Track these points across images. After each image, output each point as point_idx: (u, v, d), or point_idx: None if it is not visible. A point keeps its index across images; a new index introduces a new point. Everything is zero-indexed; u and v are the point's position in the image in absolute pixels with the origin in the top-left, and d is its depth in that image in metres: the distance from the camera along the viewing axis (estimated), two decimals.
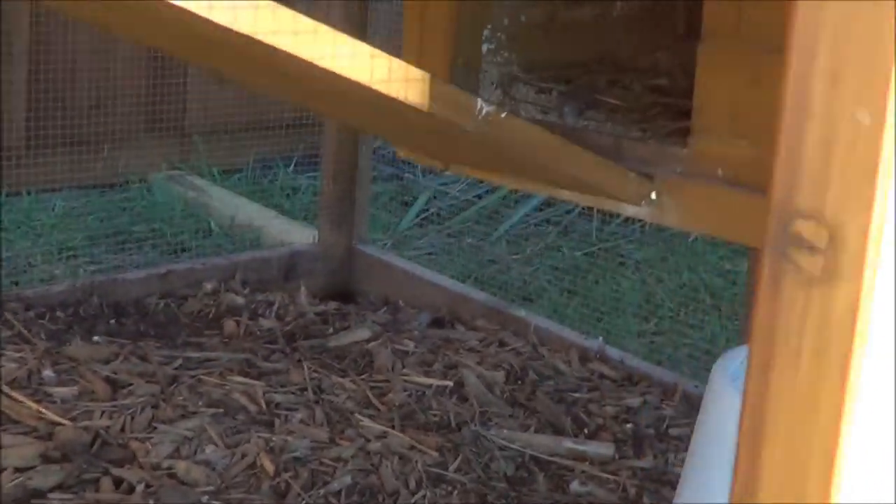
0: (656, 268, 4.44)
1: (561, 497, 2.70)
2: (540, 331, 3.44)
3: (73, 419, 2.76)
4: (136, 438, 2.72)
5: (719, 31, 1.78)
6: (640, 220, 4.72)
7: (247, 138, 5.06)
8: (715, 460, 1.68)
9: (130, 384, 2.95)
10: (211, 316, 3.45)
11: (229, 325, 3.38)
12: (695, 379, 3.31)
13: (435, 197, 4.97)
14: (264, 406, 2.91)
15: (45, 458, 2.61)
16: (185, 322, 3.41)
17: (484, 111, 1.57)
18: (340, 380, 3.08)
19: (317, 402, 2.96)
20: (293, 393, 3.00)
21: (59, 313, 3.31)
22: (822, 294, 0.56)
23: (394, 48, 1.67)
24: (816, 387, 0.57)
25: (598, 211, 4.73)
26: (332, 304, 3.63)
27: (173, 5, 1.20)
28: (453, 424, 2.92)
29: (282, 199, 4.88)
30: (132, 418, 2.79)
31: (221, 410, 2.86)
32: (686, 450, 2.97)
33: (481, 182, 4.92)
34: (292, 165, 5.16)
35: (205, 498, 2.53)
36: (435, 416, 2.96)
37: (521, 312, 3.55)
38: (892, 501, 0.59)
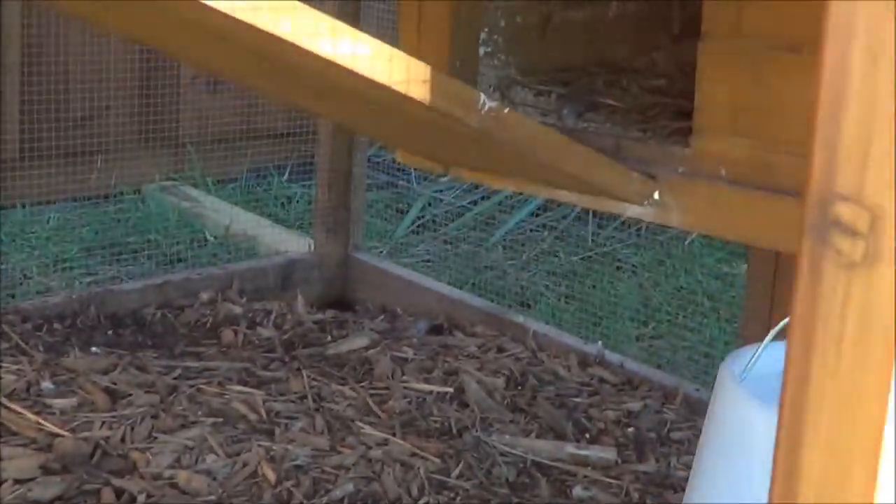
0: (653, 271, 4.43)
1: (564, 502, 2.69)
2: (539, 336, 3.43)
3: (72, 430, 2.75)
4: (137, 449, 2.70)
5: (719, 29, 1.77)
6: (636, 225, 4.72)
7: (240, 148, 5.04)
8: (723, 461, 1.67)
9: (130, 394, 2.93)
10: (208, 325, 3.44)
11: (227, 334, 3.37)
12: (695, 382, 3.30)
13: (430, 204, 4.96)
14: (264, 415, 2.89)
15: (45, 470, 2.59)
16: (182, 332, 3.39)
17: (486, 106, 1.56)
18: (340, 387, 3.07)
19: (317, 410, 2.94)
20: (293, 401, 2.98)
21: (56, 325, 3.29)
22: (864, 279, 0.55)
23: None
24: (859, 373, 0.55)
25: (594, 215, 4.73)
26: (330, 313, 3.62)
27: None
28: (454, 431, 2.91)
29: (276, 208, 4.87)
30: (132, 428, 2.77)
31: (221, 419, 2.85)
32: (688, 453, 2.97)
33: (476, 188, 4.92)
34: (286, 174, 5.15)
35: None
36: (436, 422, 2.94)
37: (520, 318, 3.54)
38: None
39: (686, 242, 4.62)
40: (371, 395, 3.04)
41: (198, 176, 4.92)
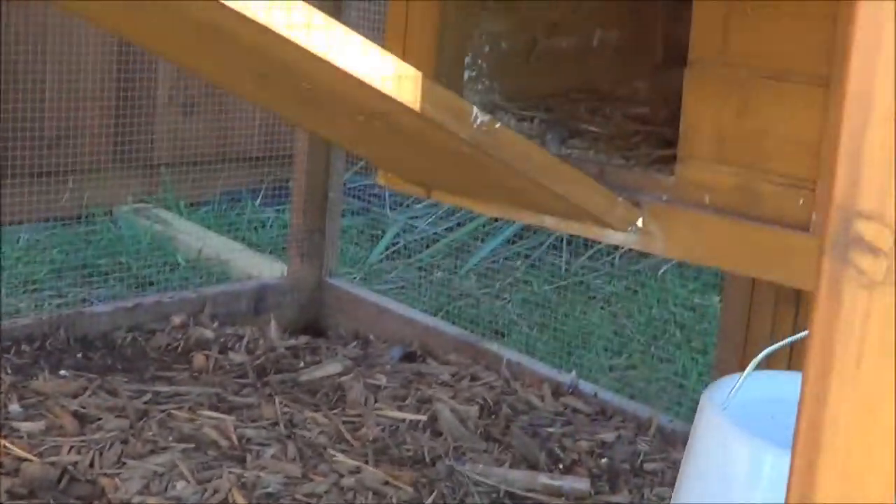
0: (626, 302, 4.43)
1: None
2: (512, 365, 3.41)
3: (40, 455, 2.70)
4: (106, 474, 2.66)
5: (706, 57, 1.77)
6: (609, 255, 4.72)
7: (214, 171, 5.01)
8: (704, 489, 1.65)
9: (99, 419, 2.89)
10: (180, 350, 3.40)
11: (199, 359, 3.33)
12: (668, 413, 3.29)
13: (404, 231, 4.94)
14: (236, 441, 2.86)
15: (12, 495, 2.55)
16: (153, 356, 3.35)
17: (479, 120, 1.54)
18: (313, 414, 3.04)
19: (289, 437, 2.91)
20: (265, 428, 2.95)
21: (24, 347, 3.25)
22: (886, 297, 0.53)
23: None
24: (878, 394, 0.54)
25: (569, 244, 4.72)
26: (303, 338, 3.59)
27: None
28: (427, 459, 2.89)
29: (249, 232, 4.84)
30: (101, 454, 2.73)
31: (192, 445, 2.81)
32: (662, 484, 2.95)
33: (451, 215, 4.91)
34: (259, 198, 5.12)
35: None
36: (409, 450, 2.92)
37: (494, 346, 3.52)
38: None
39: (659, 273, 4.62)
40: (344, 423, 3.01)
41: (170, 199, 4.89)
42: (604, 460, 2.98)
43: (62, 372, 3.14)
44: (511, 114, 2.16)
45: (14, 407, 2.90)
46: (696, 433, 1.70)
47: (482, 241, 4.82)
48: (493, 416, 3.13)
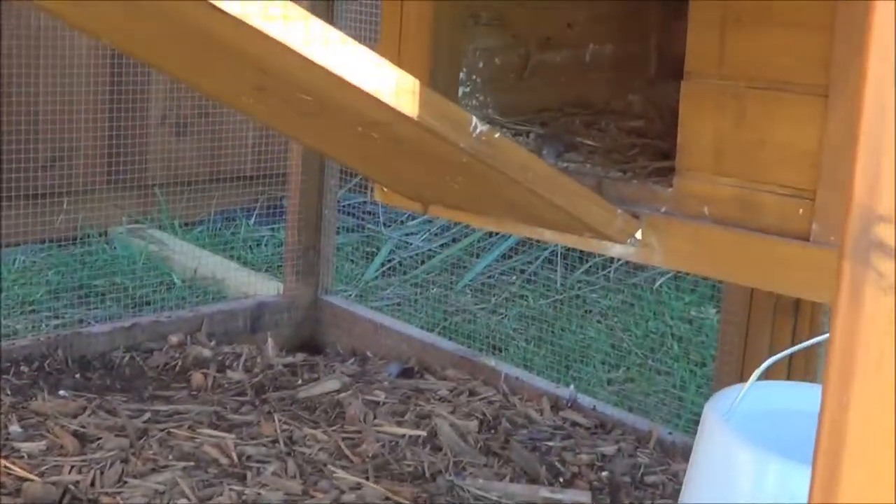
0: (622, 315, 4.43)
1: None
2: (510, 379, 3.42)
3: (41, 474, 2.70)
4: (107, 493, 2.66)
5: (702, 69, 1.78)
6: (604, 269, 4.72)
7: (208, 190, 5.02)
8: (708, 499, 1.66)
9: (99, 438, 2.89)
10: (178, 369, 3.40)
11: (197, 377, 3.33)
12: (667, 425, 3.29)
13: (398, 247, 4.95)
14: (236, 459, 2.86)
15: None
16: (151, 375, 3.35)
17: (478, 129, 1.55)
18: (312, 431, 3.04)
19: (289, 454, 2.91)
20: (264, 445, 2.95)
21: (23, 368, 3.25)
22: None
23: None
24: None
25: (563, 258, 4.73)
26: (300, 356, 3.60)
27: None
28: (427, 475, 2.89)
29: (244, 251, 4.84)
30: (102, 473, 2.73)
31: (192, 463, 2.81)
32: (662, 497, 2.95)
33: (445, 232, 4.91)
34: (253, 217, 5.12)
35: None
36: (409, 466, 2.92)
37: (491, 361, 3.52)
38: None
39: (655, 286, 4.62)
40: (343, 439, 3.01)
41: (165, 218, 4.89)
42: (604, 473, 2.98)
43: (61, 392, 3.14)
44: (506, 128, 2.16)
45: (14, 427, 2.90)
46: (699, 444, 1.70)
47: (477, 256, 4.83)
48: (493, 431, 3.13)
